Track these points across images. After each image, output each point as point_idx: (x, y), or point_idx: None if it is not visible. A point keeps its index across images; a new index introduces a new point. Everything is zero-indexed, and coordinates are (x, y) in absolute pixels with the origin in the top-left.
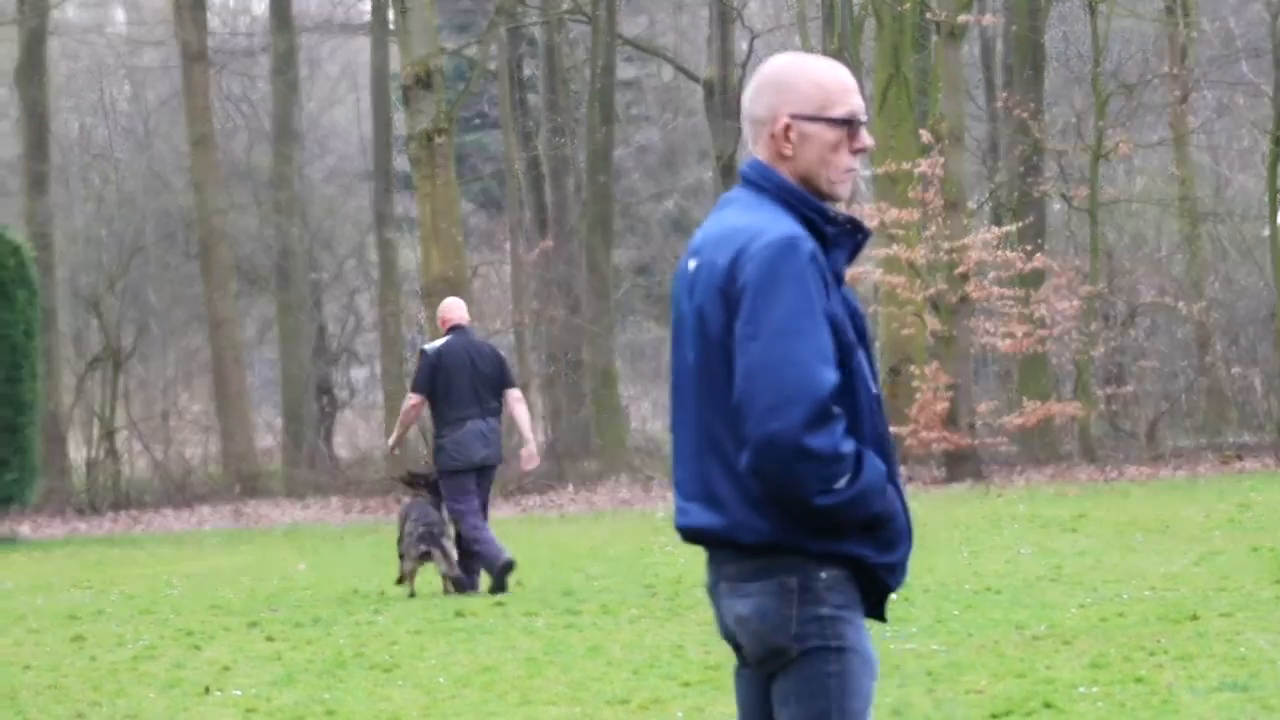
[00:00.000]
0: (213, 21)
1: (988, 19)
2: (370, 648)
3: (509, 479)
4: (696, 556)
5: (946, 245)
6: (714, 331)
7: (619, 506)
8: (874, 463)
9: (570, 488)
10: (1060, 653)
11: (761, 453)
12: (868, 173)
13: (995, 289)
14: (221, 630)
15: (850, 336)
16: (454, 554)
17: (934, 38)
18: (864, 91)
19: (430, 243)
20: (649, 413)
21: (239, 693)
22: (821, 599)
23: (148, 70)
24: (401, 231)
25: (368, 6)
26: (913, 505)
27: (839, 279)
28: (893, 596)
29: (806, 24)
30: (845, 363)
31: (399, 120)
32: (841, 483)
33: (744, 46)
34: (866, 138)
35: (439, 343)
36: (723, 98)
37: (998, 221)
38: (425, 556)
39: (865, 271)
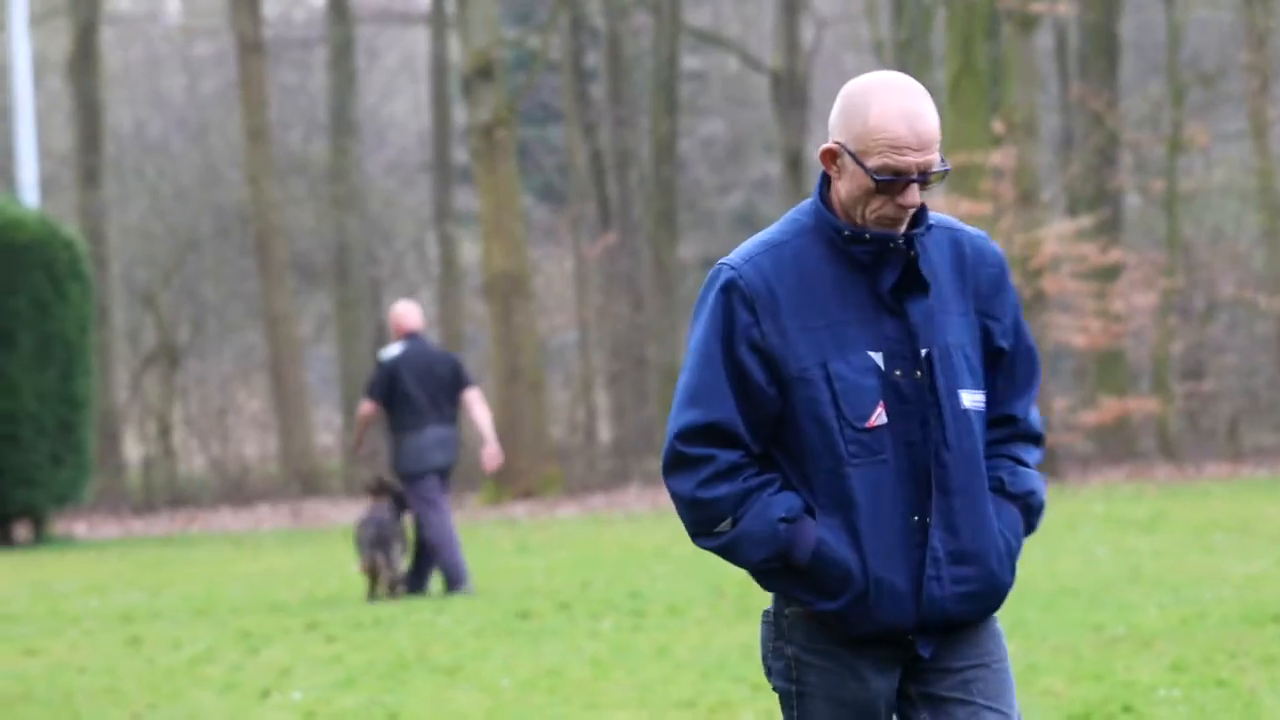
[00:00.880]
0: (269, 11)
1: (1061, 7)
2: (432, 649)
3: (573, 479)
4: None
5: (1020, 239)
6: None
7: None
8: (764, 509)
9: (635, 487)
10: (1139, 655)
11: None
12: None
13: (1070, 283)
14: (280, 632)
15: (792, 370)
16: (399, 562)
17: (1006, 27)
18: (934, 85)
19: (491, 237)
20: None
21: (299, 695)
22: (787, 635)
23: (203, 61)
24: (462, 226)
25: None
26: None
27: (895, 297)
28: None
29: (877, 13)
30: (784, 395)
31: (459, 112)
32: (721, 526)
33: (811, 36)
34: (911, 195)
35: (395, 351)
36: (790, 89)
37: (1072, 214)
38: (373, 566)
39: None
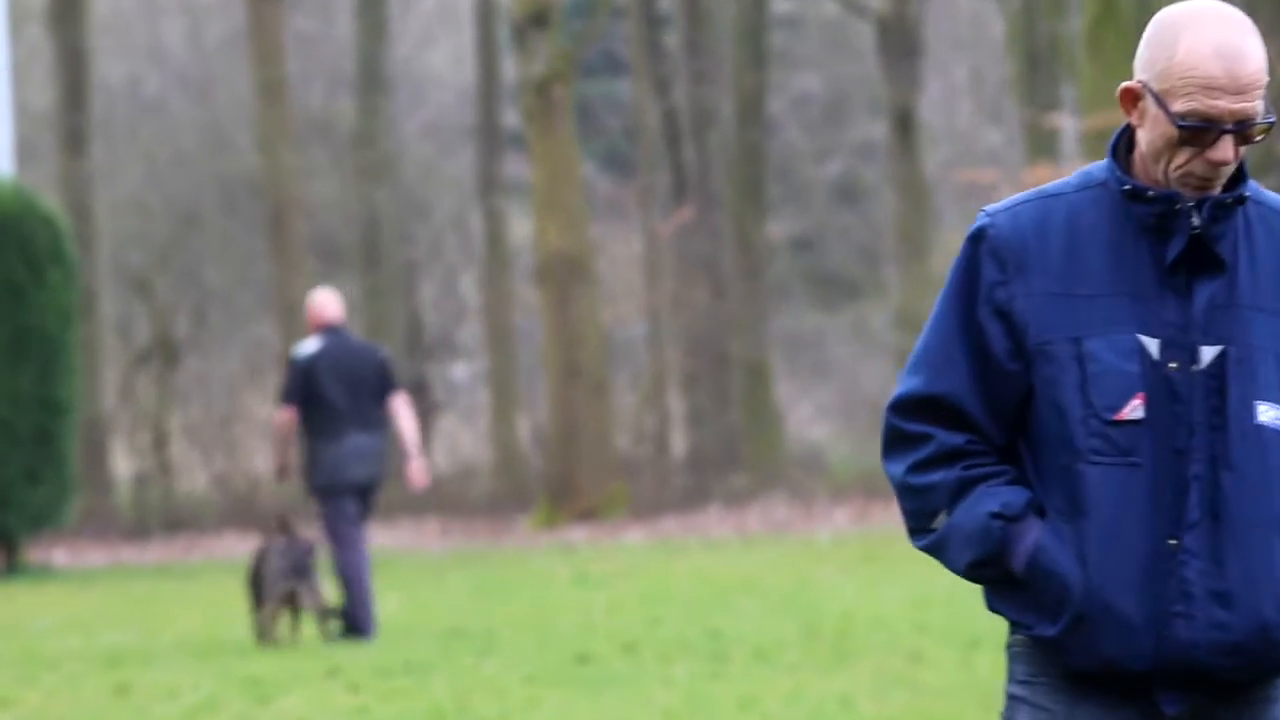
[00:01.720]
0: None
1: None
2: (474, 700)
3: (641, 498)
4: (867, 592)
5: None
6: None
7: (774, 530)
8: (977, 502)
9: (715, 507)
10: None
11: None
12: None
13: None
14: (294, 679)
15: (1033, 341)
16: (320, 587)
17: None
18: (1069, 34)
19: (545, 212)
20: (810, 417)
21: None
22: (1011, 670)
23: (207, 5)
24: (511, 199)
25: None
26: None
27: (1182, 274)
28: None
29: None
30: (1025, 372)
31: (508, 65)
32: (935, 521)
33: None
34: (1224, 149)
35: (310, 347)
36: (899, 36)
37: None
38: (290, 598)
39: None
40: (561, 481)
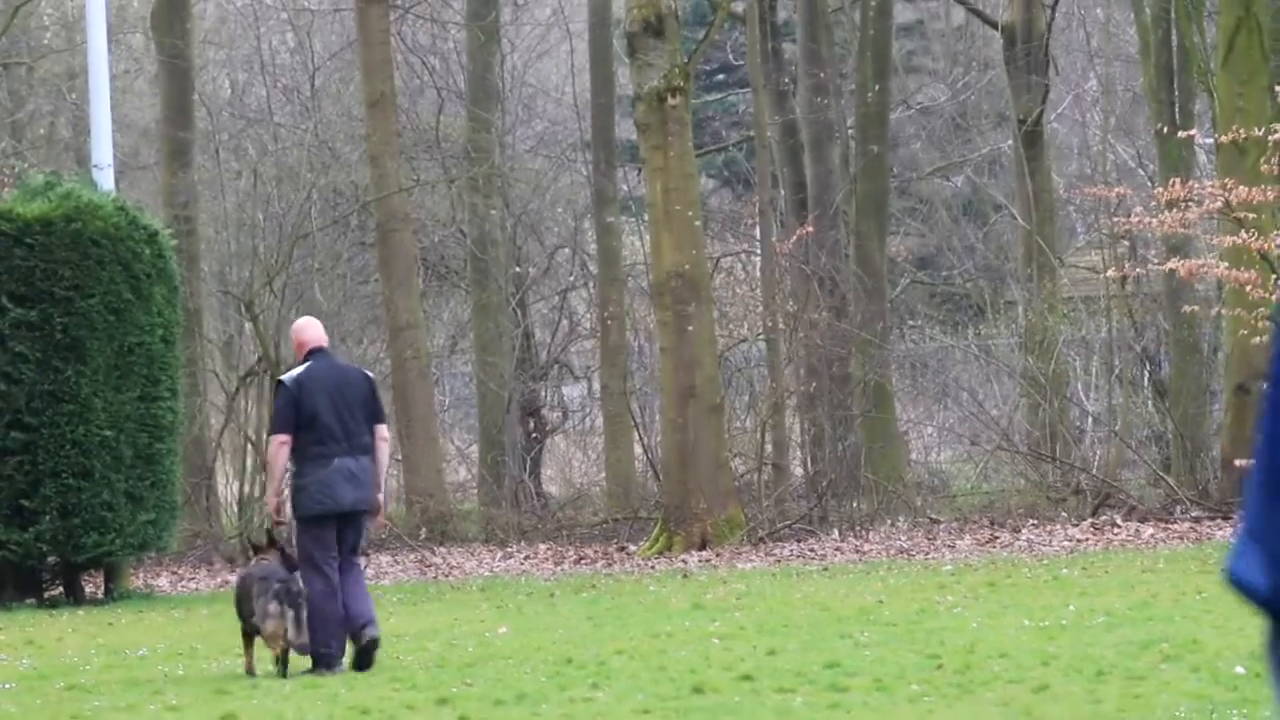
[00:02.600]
0: None
1: None
2: None
3: (758, 523)
4: (991, 621)
5: None
6: None
7: (895, 557)
8: None
9: (835, 533)
10: None
11: None
12: (1209, 140)
13: None
14: (404, 709)
15: None
16: (305, 620)
17: None
18: (1206, 42)
19: (661, 228)
20: (933, 440)
21: None
22: None
23: (315, 15)
24: (626, 215)
25: None
26: None
27: None
28: None
29: None
30: None
31: (623, 76)
32: None
33: None
34: None
35: (297, 370)
36: (1026, 46)
37: None
38: (282, 616)
39: (1206, 265)
40: (677, 506)
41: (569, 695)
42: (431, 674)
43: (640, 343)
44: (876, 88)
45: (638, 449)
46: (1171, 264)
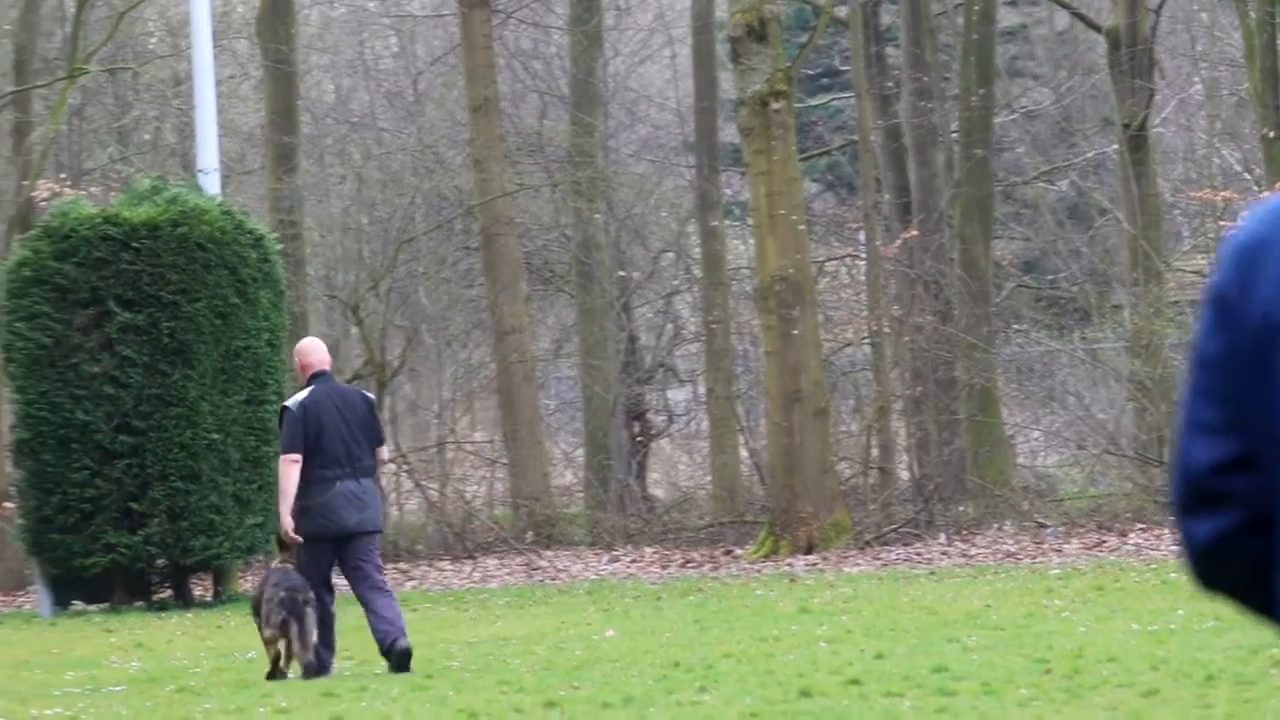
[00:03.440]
0: None
1: None
2: None
3: (865, 527)
4: (1100, 625)
5: None
6: None
7: (1002, 561)
8: None
9: (941, 537)
10: None
11: None
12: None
13: None
14: (512, 712)
15: None
16: (313, 634)
17: None
18: None
19: (765, 232)
20: (1039, 444)
21: None
22: None
23: (418, 20)
24: (730, 219)
25: None
26: None
27: None
28: None
29: None
30: None
31: (726, 81)
32: None
33: None
34: None
35: (301, 395)
36: (1130, 50)
37: None
38: (284, 626)
39: None
40: (783, 510)
41: (676, 699)
42: (539, 677)
43: (745, 346)
44: (980, 92)
45: (743, 453)
46: None
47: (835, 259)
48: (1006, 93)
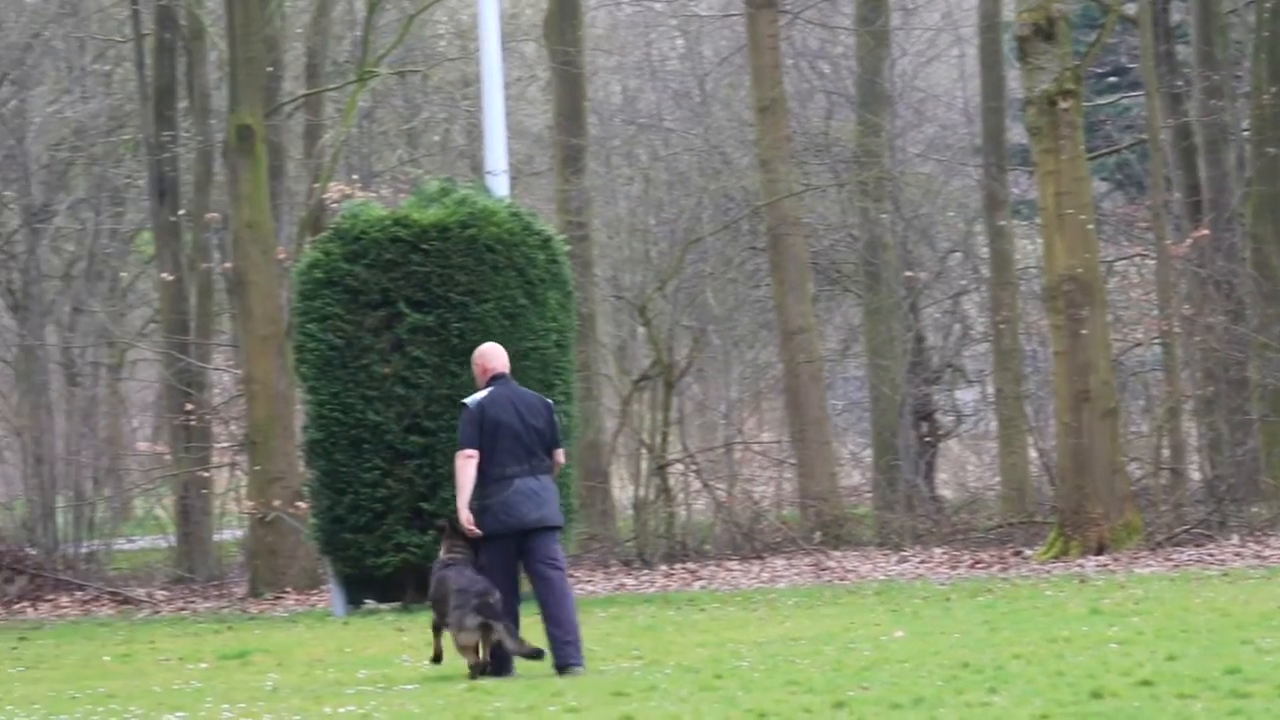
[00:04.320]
0: None
1: None
2: None
3: (1156, 528)
4: None
5: None
6: None
7: None
8: None
9: (1234, 538)
10: None
11: None
12: None
13: None
14: (801, 712)
15: None
16: (515, 630)
17: None
18: None
19: (1054, 232)
20: None
21: None
22: None
23: (704, 20)
24: (1018, 218)
25: None
26: None
27: None
28: None
29: None
30: None
31: (1014, 80)
32: None
33: None
34: None
35: (480, 394)
36: None
37: None
38: (484, 629)
39: None
40: (1072, 511)
41: (965, 700)
42: (827, 677)
43: (1034, 346)
44: (1272, 90)
45: (1032, 453)
46: None
47: (1125, 258)
48: None
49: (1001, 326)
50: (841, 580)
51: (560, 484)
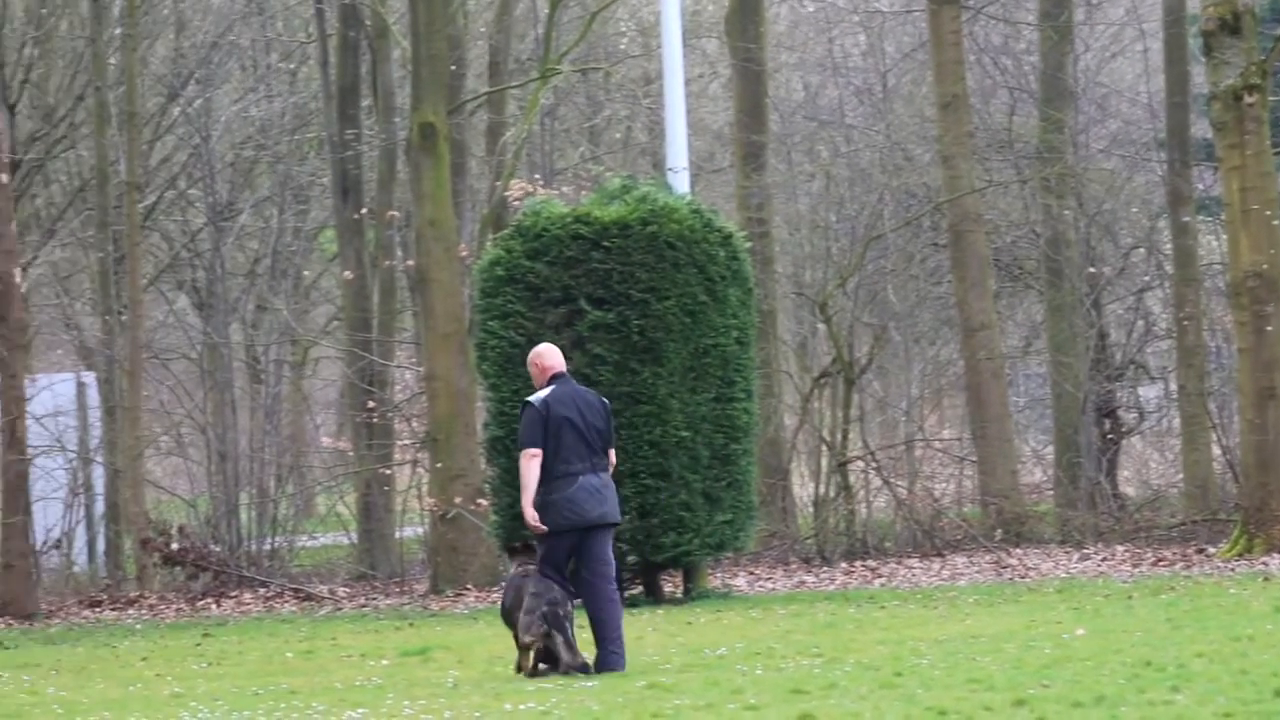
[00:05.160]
0: None
1: None
2: None
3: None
4: None
5: None
6: None
7: None
8: None
9: None
10: None
11: None
12: None
13: None
14: (982, 710)
15: None
16: (574, 643)
17: None
18: None
19: (1238, 228)
20: None
21: None
22: None
23: (886, 16)
24: (1203, 214)
25: None
26: None
27: None
28: None
29: None
30: None
31: (1198, 75)
32: None
33: None
34: None
35: (543, 393)
36: None
37: None
38: (547, 637)
39: None
40: (1257, 508)
41: (1148, 698)
42: (1009, 675)
43: (1218, 343)
44: None
45: (1216, 450)
46: None
47: None
48: None
49: (1185, 323)
50: (1022, 578)
51: (740, 481)
